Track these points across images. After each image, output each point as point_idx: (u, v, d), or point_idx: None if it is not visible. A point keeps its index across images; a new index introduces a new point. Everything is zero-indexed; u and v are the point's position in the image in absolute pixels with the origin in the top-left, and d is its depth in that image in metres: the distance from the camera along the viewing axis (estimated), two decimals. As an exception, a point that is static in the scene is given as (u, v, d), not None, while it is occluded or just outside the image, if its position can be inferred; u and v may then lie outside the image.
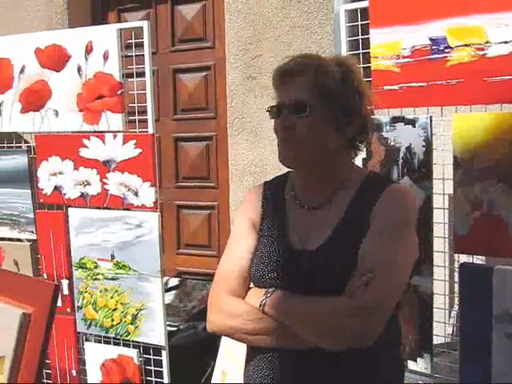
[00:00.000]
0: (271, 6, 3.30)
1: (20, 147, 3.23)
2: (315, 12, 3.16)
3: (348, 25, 2.54)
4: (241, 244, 1.72)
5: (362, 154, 2.46)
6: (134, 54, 2.86)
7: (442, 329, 2.48)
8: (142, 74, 2.79)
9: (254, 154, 3.48)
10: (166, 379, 2.97)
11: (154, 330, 2.90)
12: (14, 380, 1.28)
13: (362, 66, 2.26)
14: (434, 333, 2.38)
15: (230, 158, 3.65)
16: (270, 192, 1.79)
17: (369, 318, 1.49)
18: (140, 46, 2.76)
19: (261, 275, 1.65)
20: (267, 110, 1.69)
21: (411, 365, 2.47)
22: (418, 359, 2.46)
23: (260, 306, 1.58)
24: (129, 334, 2.97)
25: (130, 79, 2.91)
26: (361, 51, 2.53)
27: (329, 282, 1.54)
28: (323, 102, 1.62)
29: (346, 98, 1.64)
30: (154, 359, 2.99)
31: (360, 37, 2.53)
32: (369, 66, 2.44)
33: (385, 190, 1.63)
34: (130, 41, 2.84)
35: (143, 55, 2.78)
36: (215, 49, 3.78)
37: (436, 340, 2.40)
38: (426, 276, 2.39)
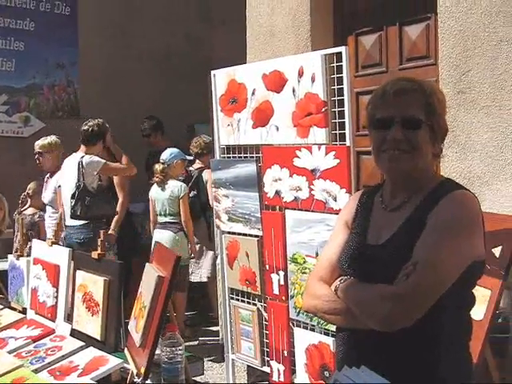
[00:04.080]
0: (479, 22, 3.38)
1: (252, 157, 3.82)
2: (521, 26, 3.17)
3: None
4: (334, 240, 2.05)
5: None
6: (335, 76, 3.25)
7: None
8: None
9: (462, 167, 3.57)
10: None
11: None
12: (149, 324, 1.79)
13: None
14: None
15: (442, 170, 3.79)
16: (365, 197, 2.07)
17: (398, 304, 1.68)
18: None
19: (340, 265, 1.95)
20: (369, 124, 1.94)
21: None
22: None
23: (335, 290, 1.88)
24: (327, 323, 3.35)
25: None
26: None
27: (385, 274, 1.76)
28: (429, 118, 1.85)
29: (441, 116, 1.89)
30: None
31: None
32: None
33: (448, 194, 1.79)
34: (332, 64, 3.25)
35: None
36: (436, 65, 3.94)
37: None
38: None
